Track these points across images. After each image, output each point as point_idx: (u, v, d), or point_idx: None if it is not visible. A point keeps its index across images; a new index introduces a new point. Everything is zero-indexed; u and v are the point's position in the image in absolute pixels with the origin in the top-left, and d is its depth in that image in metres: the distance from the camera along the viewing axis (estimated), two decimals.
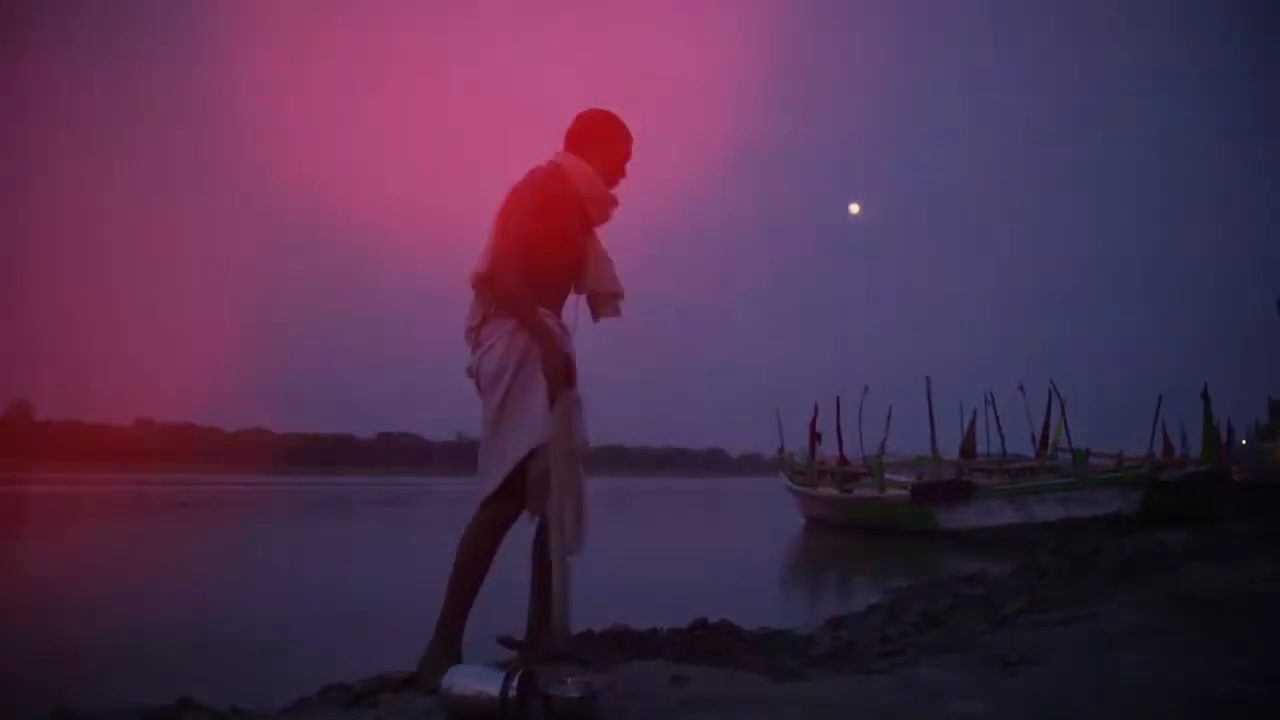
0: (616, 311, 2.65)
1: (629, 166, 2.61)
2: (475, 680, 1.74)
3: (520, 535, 2.39)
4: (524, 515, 2.36)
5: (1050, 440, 13.18)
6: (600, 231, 2.62)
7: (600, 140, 2.57)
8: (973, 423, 14.54)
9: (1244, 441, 17.76)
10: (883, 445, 13.84)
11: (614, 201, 2.60)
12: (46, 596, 5.58)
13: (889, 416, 14.24)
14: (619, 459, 71.43)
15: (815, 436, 15.53)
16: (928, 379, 13.33)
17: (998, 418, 14.16)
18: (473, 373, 2.48)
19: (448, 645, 2.30)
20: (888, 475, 13.41)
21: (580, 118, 2.60)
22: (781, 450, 16.40)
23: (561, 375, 2.35)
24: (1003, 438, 14.29)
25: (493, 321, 2.42)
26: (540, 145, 2.65)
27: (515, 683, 1.70)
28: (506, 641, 2.45)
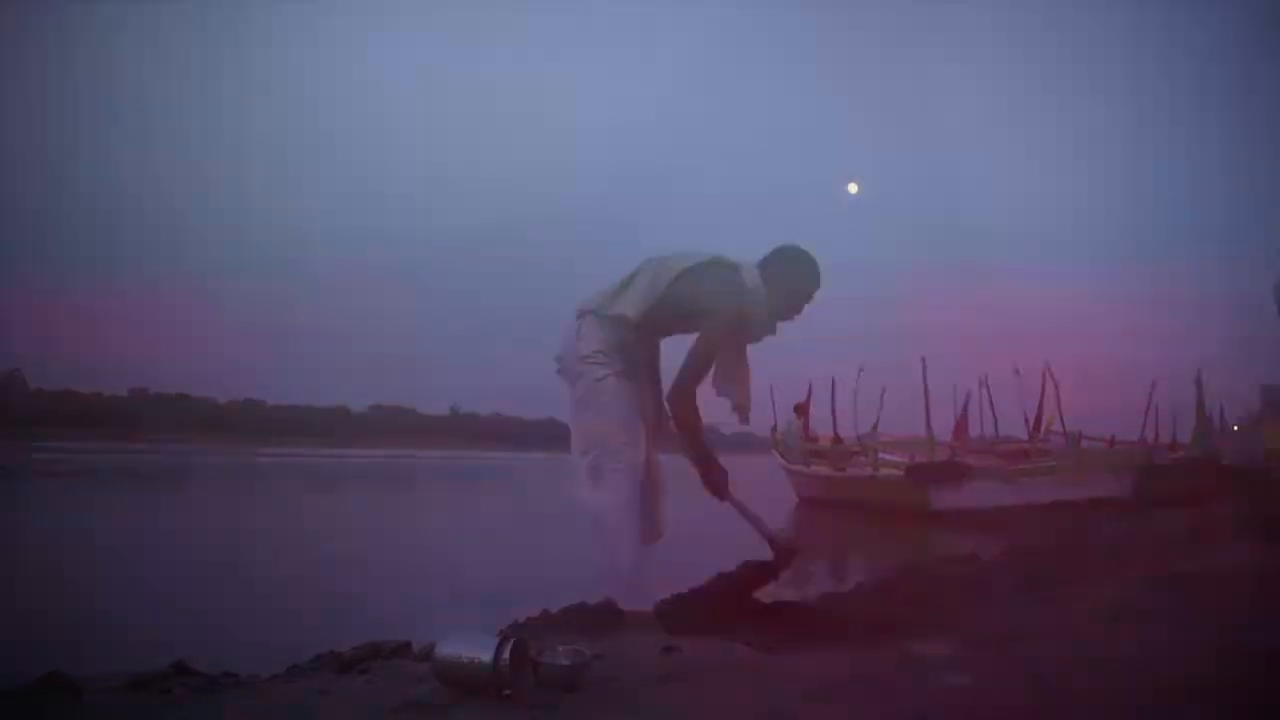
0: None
1: (806, 309, 2.90)
2: (468, 647, 1.75)
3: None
4: None
5: (1043, 423, 13.21)
6: None
7: (790, 277, 2.83)
8: (966, 404, 14.56)
9: (1235, 427, 17.84)
10: (875, 425, 13.86)
11: (771, 331, 2.88)
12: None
13: (882, 396, 14.25)
14: None
15: (808, 415, 15.55)
16: (923, 360, 13.33)
17: (991, 400, 14.19)
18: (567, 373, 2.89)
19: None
20: (881, 455, 13.44)
21: (785, 250, 2.85)
22: (775, 429, 16.42)
23: (717, 488, 2.82)
24: (996, 420, 14.33)
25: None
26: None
27: (508, 649, 1.71)
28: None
